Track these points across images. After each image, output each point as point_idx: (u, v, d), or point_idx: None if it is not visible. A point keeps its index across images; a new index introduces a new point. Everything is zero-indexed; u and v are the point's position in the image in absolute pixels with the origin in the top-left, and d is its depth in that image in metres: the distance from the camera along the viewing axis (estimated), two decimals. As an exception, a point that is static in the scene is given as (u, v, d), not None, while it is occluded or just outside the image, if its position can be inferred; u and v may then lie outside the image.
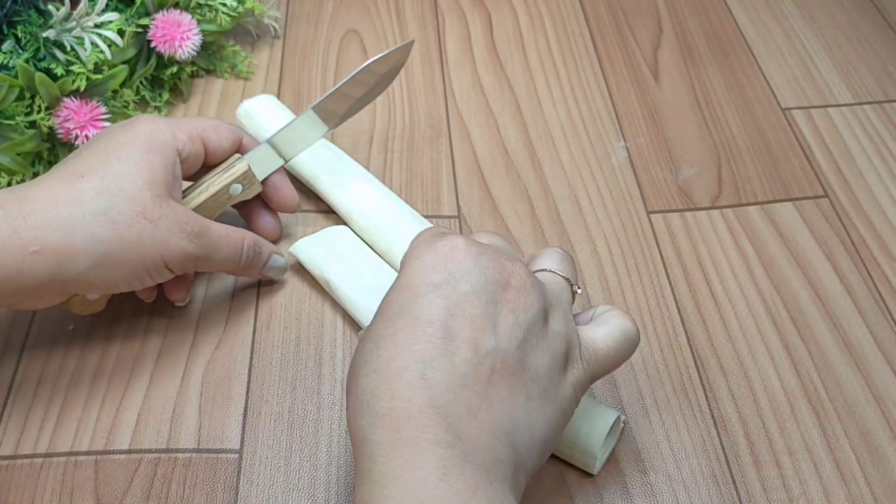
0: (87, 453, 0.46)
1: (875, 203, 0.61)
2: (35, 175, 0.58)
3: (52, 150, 0.59)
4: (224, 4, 0.66)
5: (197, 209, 0.50)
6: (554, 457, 0.46)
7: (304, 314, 0.53)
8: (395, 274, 0.52)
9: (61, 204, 0.42)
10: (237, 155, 0.52)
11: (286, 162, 0.54)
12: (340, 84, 0.53)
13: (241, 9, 0.67)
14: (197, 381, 0.49)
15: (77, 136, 0.57)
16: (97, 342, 0.51)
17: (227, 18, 0.66)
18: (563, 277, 0.41)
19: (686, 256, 0.57)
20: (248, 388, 0.49)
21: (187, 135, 0.48)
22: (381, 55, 0.53)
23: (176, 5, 0.64)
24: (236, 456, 0.46)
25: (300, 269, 0.55)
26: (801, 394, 0.50)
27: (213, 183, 0.51)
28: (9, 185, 0.57)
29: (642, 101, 0.69)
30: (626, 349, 0.41)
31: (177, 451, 0.46)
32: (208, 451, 0.46)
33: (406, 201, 0.60)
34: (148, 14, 0.63)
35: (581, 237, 0.58)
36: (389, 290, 0.39)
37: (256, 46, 0.72)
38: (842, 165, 0.64)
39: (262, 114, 0.60)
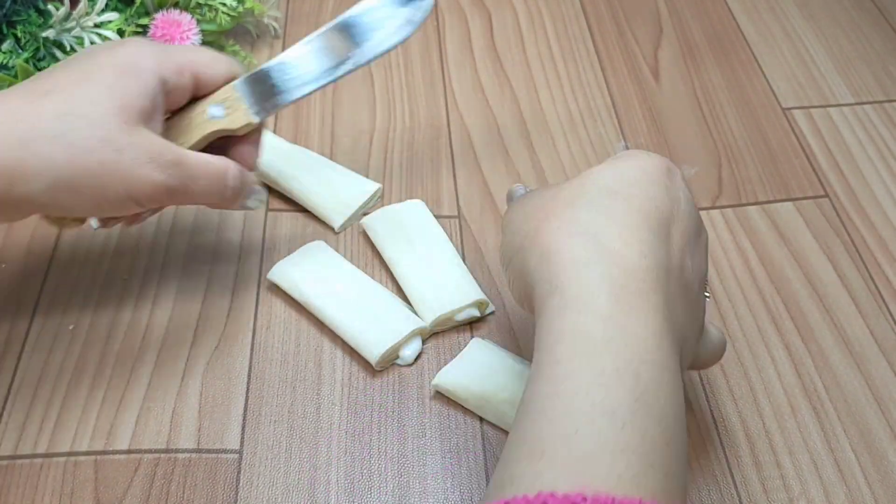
0: (87, 453, 0.46)
1: (875, 203, 0.61)
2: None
3: (52, 150, 0.59)
4: (224, 4, 0.66)
5: (170, 135, 0.45)
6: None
7: (304, 314, 0.53)
8: (375, 284, 0.53)
9: (19, 121, 0.39)
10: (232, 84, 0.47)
11: (287, 103, 0.49)
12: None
13: (240, 8, 0.67)
14: (197, 381, 0.49)
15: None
16: (97, 342, 0.51)
17: (227, 18, 0.66)
18: None
19: (686, 256, 0.57)
20: (247, 388, 0.49)
21: (176, 64, 0.45)
22: None
23: (176, 5, 0.64)
24: (236, 456, 0.46)
25: (300, 269, 0.55)
26: (801, 394, 0.50)
27: (192, 107, 0.46)
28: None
29: (642, 100, 0.69)
30: (720, 349, 0.45)
31: (177, 451, 0.46)
32: (208, 451, 0.46)
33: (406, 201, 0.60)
34: (148, 14, 0.63)
35: (581, 237, 0.58)
36: (613, 160, 0.41)
37: (256, 46, 0.72)
38: (842, 165, 0.64)
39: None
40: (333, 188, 0.58)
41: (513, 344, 0.52)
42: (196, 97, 0.47)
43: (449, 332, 0.52)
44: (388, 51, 0.50)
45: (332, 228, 0.57)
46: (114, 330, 0.52)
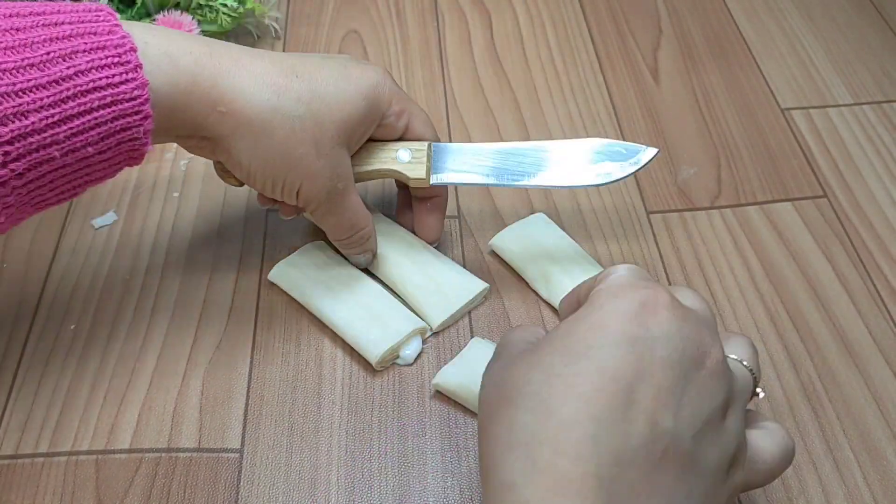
0: (88, 453, 0.46)
1: (874, 203, 0.61)
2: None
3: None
4: (225, 5, 0.66)
5: (357, 153, 0.50)
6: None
7: (304, 314, 0.53)
8: (374, 284, 0.53)
9: (265, 88, 0.44)
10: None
11: (456, 183, 0.52)
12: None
13: (241, 9, 0.67)
14: (198, 380, 0.49)
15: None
16: (98, 342, 0.51)
17: (228, 19, 0.66)
18: (751, 373, 0.38)
19: (685, 257, 0.57)
20: (248, 387, 0.49)
21: (400, 107, 0.50)
22: None
23: (177, 6, 0.64)
24: (237, 456, 0.46)
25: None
26: (800, 393, 0.50)
27: (388, 143, 0.51)
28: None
29: (642, 101, 0.69)
30: (783, 467, 0.38)
31: (178, 450, 0.46)
32: (209, 450, 0.47)
33: (406, 201, 0.60)
34: (149, 14, 0.63)
35: (581, 237, 0.58)
36: (575, 317, 0.35)
37: (257, 47, 0.72)
38: (841, 166, 0.64)
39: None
40: (436, 282, 0.53)
41: (513, 344, 0.52)
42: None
43: (449, 332, 0.52)
44: (571, 187, 0.56)
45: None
46: (115, 330, 0.52)
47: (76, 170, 0.39)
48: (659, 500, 0.32)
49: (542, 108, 0.68)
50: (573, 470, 0.31)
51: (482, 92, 0.69)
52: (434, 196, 0.54)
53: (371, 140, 0.51)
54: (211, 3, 0.66)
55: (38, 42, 0.37)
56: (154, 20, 0.62)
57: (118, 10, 0.62)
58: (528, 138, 0.65)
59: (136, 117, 0.39)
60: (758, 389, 0.38)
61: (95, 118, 0.38)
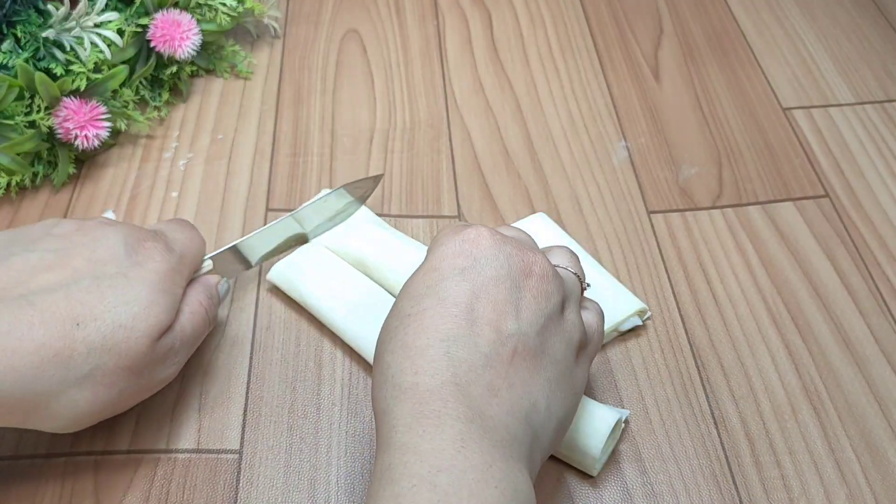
0: (87, 454, 0.46)
1: (876, 203, 0.61)
2: (35, 175, 0.58)
3: (52, 150, 0.59)
4: (224, 4, 0.66)
5: None
6: (554, 458, 0.46)
7: (304, 315, 0.53)
8: (373, 285, 0.53)
9: (47, 362, 0.38)
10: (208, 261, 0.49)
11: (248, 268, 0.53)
12: (309, 202, 0.54)
13: (240, 8, 0.67)
14: (197, 381, 0.49)
15: (77, 136, 0.57)
16: (97, 342, 0.51)
17: (227, 18, 0.66)
18: (574, 274, 0.43)
19: (687, 256, 0.57)
20: (247, 388, 0.49)
21: (190, 269, 0.46)
22: (352, 182, 0.55)
23: (175, 5, 0.64)
24: (236, 456, 0.46)
25: (300, 269, 0.55)
26: (801, 394, 0.50)
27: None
28: (7, 185, 0.57)
29: (643, 100, 0.69)
30: (603, 324, 0.44)
31: (176, 451, 0.46)
32: (208, 451, 0.46)
33: (406, 201, 0.60)
34: (147, 13, 0.63)
35: (582, 237, 0.58)
36: (415, 272, 0.41)
37: (256, 46, 0.72)
38: (843, 165, 0.64)
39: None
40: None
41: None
42: None
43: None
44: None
45: None
46: (114, 330, 0.52)
47: None
48: (518, 390, 0.36)
49: (543, 107, 0.68)
50: (432, 382, 0.35)
51: (482, 92, 0.69)
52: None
53: None
54: (210, 2, 0.66)
55: None
56: (153, 19, 0.62)
57: (117, 9, 0.62)
58: (528, 138, 0.65)
59: None
60: (584, 284, 0.43)
61: None
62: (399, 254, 0.53)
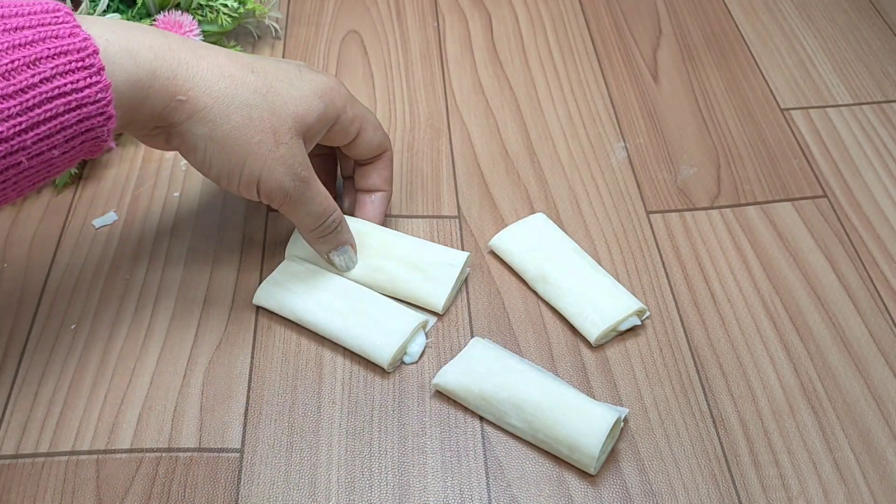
0: (89, 452, 0.46)
1: (874, 203, 0.61)
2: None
3: (54, 151, 0.59)
4: (225, 5, 0.66)
5: None
6: (553, 457, 0.47)
7: (304, 314, 0.53)
8: (363, 288, 0.52)
9: (221, 78, 0.45)
10: None
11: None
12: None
13: (242, 10, 0.67)
14: (198, 380, 0.50)
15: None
16: (99, 342, 0.51)
17: (229, 19, 0.66)
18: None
19: (685, 256, 0.57)
20: (249, 387, 0.49)
21: (354, 113, 0.51)
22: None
23: (177, 6, 0.64)
24: (237, 455, 0.46)
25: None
26: (800, 393, 0.50)
27: None
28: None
29: (642, 101, 0.69)
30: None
31: (178, 450, 0.46)
32: (209, 450, 0.47)
33: (406, 201, 0.60)
34: (149, 15, 0.63)
35: (581, 237, 0.58)
36: None
37: (258, 47, 0.72)
38: (840, 166, 0.64)
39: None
40: (422, 269, 0.53)
41: (512, 343, 0.52)
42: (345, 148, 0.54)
43: (449, 331, 0.52)
44: None
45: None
46: (115, 329, 0.52)
47: (40, 170, 0.40)
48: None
49: (542, 107, 0.68)
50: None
51: (482, 92, 0.69)
52: (378, 190, 0.56)
53: (321, 145, 0.52)
54: (211, 4, 0.66)
55: (1, 50, 0.37)
56: (154, 20, 0.62)
57: (118, 10, 0.62)
58: (528, 138, 0.65)
59: (99, 118, 0.40)
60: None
61: (61, 122, 0.39)
62: (378, 247, 0.54)
